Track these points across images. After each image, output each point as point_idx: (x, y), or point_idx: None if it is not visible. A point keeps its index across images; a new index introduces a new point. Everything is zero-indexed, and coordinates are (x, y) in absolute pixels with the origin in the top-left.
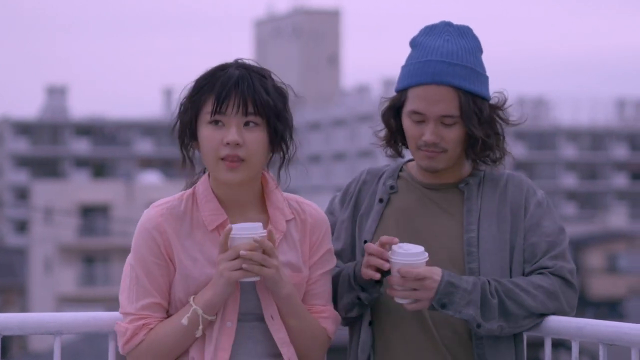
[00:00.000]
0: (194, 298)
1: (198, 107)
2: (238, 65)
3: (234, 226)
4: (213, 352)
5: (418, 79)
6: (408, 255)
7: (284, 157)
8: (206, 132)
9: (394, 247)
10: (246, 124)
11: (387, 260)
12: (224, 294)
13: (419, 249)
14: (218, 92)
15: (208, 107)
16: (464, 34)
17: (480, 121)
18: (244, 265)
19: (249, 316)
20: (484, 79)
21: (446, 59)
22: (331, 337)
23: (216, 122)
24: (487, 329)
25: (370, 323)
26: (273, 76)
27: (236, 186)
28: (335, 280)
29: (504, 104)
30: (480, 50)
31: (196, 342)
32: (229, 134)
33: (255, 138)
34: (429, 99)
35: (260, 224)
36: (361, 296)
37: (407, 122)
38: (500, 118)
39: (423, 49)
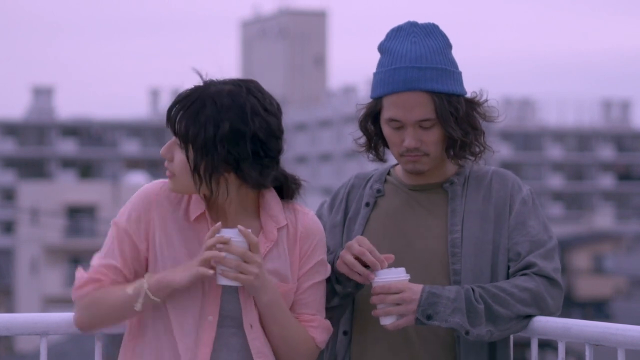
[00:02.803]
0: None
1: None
2: (217, 81)
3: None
4: (193, 347)
5: (391, 88)
6: (386, 273)
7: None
8: None
9: (376, 272)
10: (178, 143)
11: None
12: (182, 283)
13: (400, 270)
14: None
15: None
16: (430, 33)
17: (457, 120)
18: (218, 269)
19: (228, 320)
20: (456, 75)
21: (415, 64)
22: (320, 347)
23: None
24: (476, 335)
25: (345, 333)
26: (239, 102)
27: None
28: None
29: (483, 100)
30: (449, 47)
31: (166, 341)
32: (163, 147)
33: (178, 158)
34: (405, 106)
35: (236, 231)
36: (336, 288)
37: (386, 130)
38: (478, 113)
39: (391, 55)
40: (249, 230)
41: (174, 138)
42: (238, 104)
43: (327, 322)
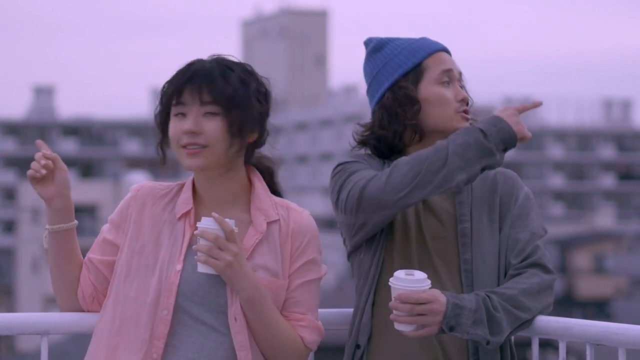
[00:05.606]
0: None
1: (168, 102)
2: (210, 58)
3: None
4: (148, 340)
5: None
6: (410, 281)
7: (253, 146)
8: (171, 125)
9: (396, 272)
10: (206, 113)
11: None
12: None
13: (422, 275)
14: (176, 83)
15: (174, 101)
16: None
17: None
18: (195, 255)
19: (217, 314)
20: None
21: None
22: (310, 347)
23: (181, 114)
24: (496, 343)
25: (358, 346)
26: (247, 69)
27: (205, 175)
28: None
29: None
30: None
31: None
32: (187, 123)
33: (214, 126)
34: None
35: (211, 219)
36: None
37: None
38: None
39: None
40: (227, 220)
41: (193, 114)
42: (239, 65)
43: (318, 323)
